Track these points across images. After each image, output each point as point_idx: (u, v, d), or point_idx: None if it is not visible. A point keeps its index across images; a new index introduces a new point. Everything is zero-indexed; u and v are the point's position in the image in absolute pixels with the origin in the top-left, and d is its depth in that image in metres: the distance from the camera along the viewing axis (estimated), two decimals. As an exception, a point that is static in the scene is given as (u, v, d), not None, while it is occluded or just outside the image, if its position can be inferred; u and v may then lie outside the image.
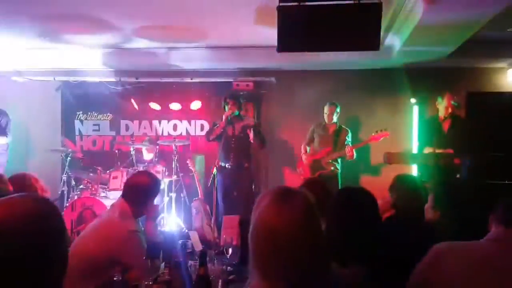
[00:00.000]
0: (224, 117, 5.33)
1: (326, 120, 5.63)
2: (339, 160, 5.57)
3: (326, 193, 2.53)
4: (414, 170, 5.42)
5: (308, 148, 5.78)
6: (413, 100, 5.92)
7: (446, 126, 5.03)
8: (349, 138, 5.58)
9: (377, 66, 5.97)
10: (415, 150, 5.59)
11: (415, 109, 6.00)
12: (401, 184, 3.09)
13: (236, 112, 5.37)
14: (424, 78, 5.87)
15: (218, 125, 5.41)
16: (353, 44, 3.53)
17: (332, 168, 5.49)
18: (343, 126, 5.67)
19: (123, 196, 2.76)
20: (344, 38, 3.46)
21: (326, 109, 5.61)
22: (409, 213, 2.69)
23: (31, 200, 1.17)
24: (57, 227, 1.18)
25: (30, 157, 6.66)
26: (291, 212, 1.30)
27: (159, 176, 5.68)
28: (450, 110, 4.98)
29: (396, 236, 2.22)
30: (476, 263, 1.80)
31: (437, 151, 4.59)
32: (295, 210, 1.31)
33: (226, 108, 5.40)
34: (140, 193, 2.74)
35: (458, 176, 4.66)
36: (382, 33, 3.66)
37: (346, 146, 5.38)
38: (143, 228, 2.78)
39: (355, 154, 5.32)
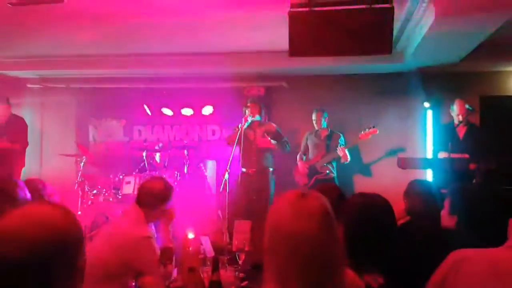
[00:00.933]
0: (243, 120, 5.33)
1: (316, 126, 5.75)
2: (334, 164, 5.64)
3: (341, 198, 2.51)
4: (428, 175, 5.36)
5: (304, 157, 5.87)
6: (426, 104, 5.87)
7: (461, 132, 4.99)
8: (341, 142, 5.66)
9: (389, 70, 5.93)
10: (429, 155, 5.54)
11: (429, 113, 5.94)
12: (415, 189, 3.05)
13: (258, 117, 5.38)
14: (437, 82, 5.82)
15: (237, 129, 5.40)
16: (365, 48, 3.50)
17: (327, 171, 5.57)
18: (334, 130, 5.78)
19: (136, 201, 2.77)
20: (356, 42, 3.44)
21: (314, 116, 5.76)
22: (425, 219, 2.65)
23: (49, 209, 1.17)
24: (75, 236, 1.17)
25: (44, 162, 6.73)
26: (308, 216, 1.29)
27: (171, 180, 5.71)
28: (461, 118, 4.94)
29: (412, 243, 2.19)
30: (494, 270, 1.76)
31: (452, 156, 4.53)
32: (311, 214, 1.30)
33: (247, 112, 5.42)
34: (154, 198, 2.74)
35: (474, 181, 4.60)
36: (394, 37, 3.63)
37: (338, 148, 5.47)
38: (156, 234, 2.78)
39: (348, 155, 5.41)
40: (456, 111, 5.01)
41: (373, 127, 5.41)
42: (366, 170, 6.14)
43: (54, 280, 1.09)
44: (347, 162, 5.49)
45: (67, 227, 1.15)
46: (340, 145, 5.57)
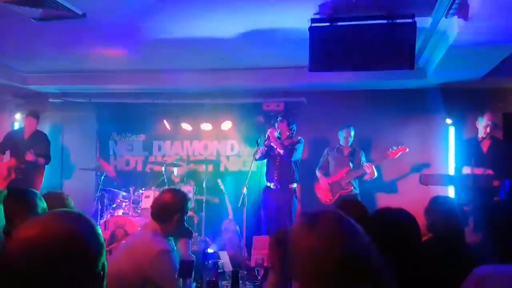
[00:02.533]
0: (269, 135, 5.34)
1: (343, 143, 5.72)
2: (356, 180, 5.59)
3: (364, 213, 2.47)
4: (450, 192, 5.26)
5: (322, 172, 5.82)
6: (448, 121, 5.79)
7: (485, 146, 4.92)
8: (363, 158, 5.64)
9: (411, 86, 5.88)
10: (451, 171, 5.45)
11: (451, 130, 5.86)
12: (437, 206, 2.99)
13: (277, 134, 5.40)
14: (459, 98, 5.74)
15: (262, 144, 5.42)
16: (387, 63, 3.50)
17: (352, 188, 5.52)
18: (356, 147, 5.74)
19: (151, 215, 2.77)
20: (378, 57, 3.44)
21: (344, 133, 5.70)
22: (448, 236, 2.59)
23: (68, 217, 1.16)
24: (95, 243, 1.17)
25: (65, 176, 6.83)
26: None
27: (189, 195, 5.72)
28: (488, 130, 4.86)
29: (435, 260, 2.13)
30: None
31: (476, 171, 4.45)
32: (320, 233, 1.28)
33: (277, 125, 5.45)
34: (165, 210, 2.74)
35: (496, 198, 4.50)
36: (416, 52, 3.61)
37: (364, 164, 5.43)
38: (175, 247, 2.77)
39: (375, 172, 5.34)
40: (483, 122, 4.94)
41: (402, 145, 5.36)
42: (387, 187, 6.04)
43: (73, 286, 1.08)
44: (373, 178, 5.45)
45: (87, 235, 1.14)
46: (363, 162, 5.54)
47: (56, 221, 1.13)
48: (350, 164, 5.62)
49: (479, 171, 4.60)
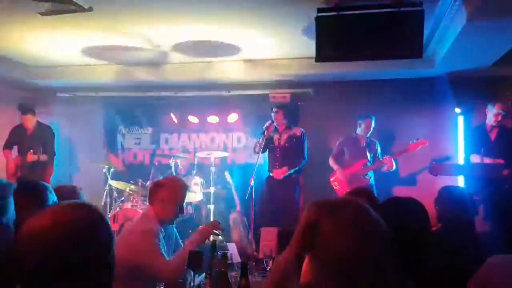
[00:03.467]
0: (267, 129, 5.35)
1: (362, 133, 5.60)
2: (372, 172, 5.53)
3: (373, 202, 2.45)
4: (460, 181, 5.22)
5: (337, 162, 5.70)
6: (457, 110, 5.73)
7: (493, 134, 4.87)
8: (379, 149, 5.59)
9: (419, 76, 5.82)
10: (461, 160, 5.41)
11: (460, 119, 5.80)
12: (446, 196, 2.98)
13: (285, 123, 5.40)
14: (468, 87, 5.66)
15: (261, 137, 5.40)
16: (394, 52, 3.46)
17: (369, 180, 5.45)
18: (372, 138, 5.66)
19: (148, 201, 2.86)
20: (385, 46, 3.40)
21: (365, 123, 5.57)
22: (458, 226, 2.58)
23: (77, 208, 1.17)
24: (103, 232, 1.17)
25: (73, 169, 6.87)
26: (341, 223, 1.25)
27: (196, 187, 5.74)
28: (499, 118, 4.81)
29: (446, 250, 2.12)
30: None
31: (485, 160, 4.41)
32: (344, 220, 1.25)
33: (273, 116, 5.45)
34: (155, 192, 2.79)
35: (506, 187, 4.47)
36: (424, 41, 3.56)
37: (385, 157, 5.35)
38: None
39: (394, 164, 5.29)
40: (494, 110, 4.88)
41: (423, 138, 5.29)
42: (401, 179, 5.98)
43: (84, 277, 1.09)
44: (390, 170, 5.38)
45: (97, 225, 1.15)
46: (379, 154, 5.50)
47: (66, 212, 1.14)
48: (368, 155, 5.52)
49: (488, 160, 4.56)
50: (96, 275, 1.12)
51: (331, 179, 5.63)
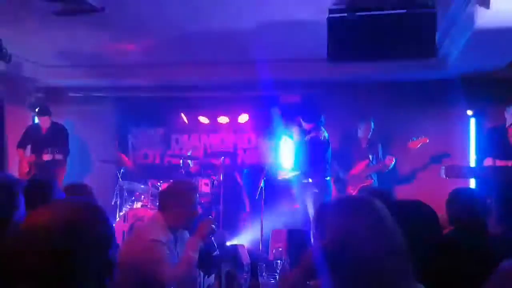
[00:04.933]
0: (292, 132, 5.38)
1: (362, 136, 5.73)
2: (375, 173, 5.59)
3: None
4: (472, 184, 5.16)
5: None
6: (469, 112, 5.67)
7: (511, 137, 4.77)
8: (381, 150, 5.67)
9: (431, 77, 5.77)
10: (473, 163, 5.35)
11: (472, 121, 5.74)
12: (458, 198, 2.94)
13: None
14: (481, 89, 5.59)
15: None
16: (406, 53, 3.44)
17: (372, 181, 5.50)
18: (374, 139, 5.75)
19: (158, 206, 2.81)
20: (397, 47, 3.38)
21: (364, 126, 5.71)
22: (470, 229, 2.55)
23: (75, 205, 1.16)
24: (103, 229, 1.16)
25: (84, 169, 6.91)
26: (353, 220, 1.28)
27: (205, 187, 5.74)
28: None
29: (458, 253, 2.09)
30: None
31: (498, 162, 4.35)
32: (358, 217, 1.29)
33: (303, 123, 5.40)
34: (166, 197, 2.74)
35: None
36: (436, 42, 3.53)
37: (387, 156, 5.43)
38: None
39: (393, 162, 5.37)
40: None
41: (423, 136, 5.33)
42: (406, 180, 5.96)
43: (83, 274, 1.09)
44: (387, 170, 5.44)
45: (96, 222, 1.14)
46: (380, 154, 5.54)
47: (65, 209, 1.13)
48: (370, 156, 5.59)
49: (501, 163, 4.49)
50: (95, 273, 1.12)
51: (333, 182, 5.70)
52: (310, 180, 5.29)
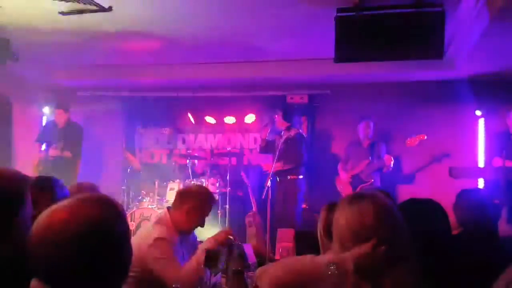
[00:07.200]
0: (266, 131, 5.53)
1: (363, 136, 5.72)
2: (377, 173, 5.57)
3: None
4: (480, 185, 5.12)
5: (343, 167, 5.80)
6: (478, 113, 5.63)
7: None
8: (384, 149, 5.63)
9: (439, 78, 5.73)
10: (481, 164, 5.31)
11: (480, 122, 5.70)
12: (466, 199, 2.91)
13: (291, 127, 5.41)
14: (490, 90, 5.54)
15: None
16: (414, 53, 3.41)
17: (373, 180, 5.47)
18: (376, 139, 5.73)
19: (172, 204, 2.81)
20: (405, 47, 3.36)
21: (362, 127, 5.71)
22: (480, 229, 2.52)
23: (94, 202, 1.14)
24: (122, 228, 1.15)
25: (91, 168, 6.93)
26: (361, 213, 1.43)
27: (212, 187, 5.74)
28: None
29: (468, 254, 2.07)
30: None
31: (508, 163, 4.30)
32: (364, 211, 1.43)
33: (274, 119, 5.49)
34: (181, 199, 2.73)
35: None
36: (445, 42, 3.50)
37: (385, 156, 5.46)
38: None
39: (392, 161, 5.36)
40: None
41: (420, 133, 5.35)
42: (410, 180, 5.94)
43: (98, 271, 1.07)
44: (389, 170, 5.43)
45: (114, 218, 1.13)
46: (383, 154, 5.54)
47: (83, 205, 1.11)
48: (370, 156, 5.57)
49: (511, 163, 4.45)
50: (110, 272, 1.10)
51: (337, 183, 5.76)
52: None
